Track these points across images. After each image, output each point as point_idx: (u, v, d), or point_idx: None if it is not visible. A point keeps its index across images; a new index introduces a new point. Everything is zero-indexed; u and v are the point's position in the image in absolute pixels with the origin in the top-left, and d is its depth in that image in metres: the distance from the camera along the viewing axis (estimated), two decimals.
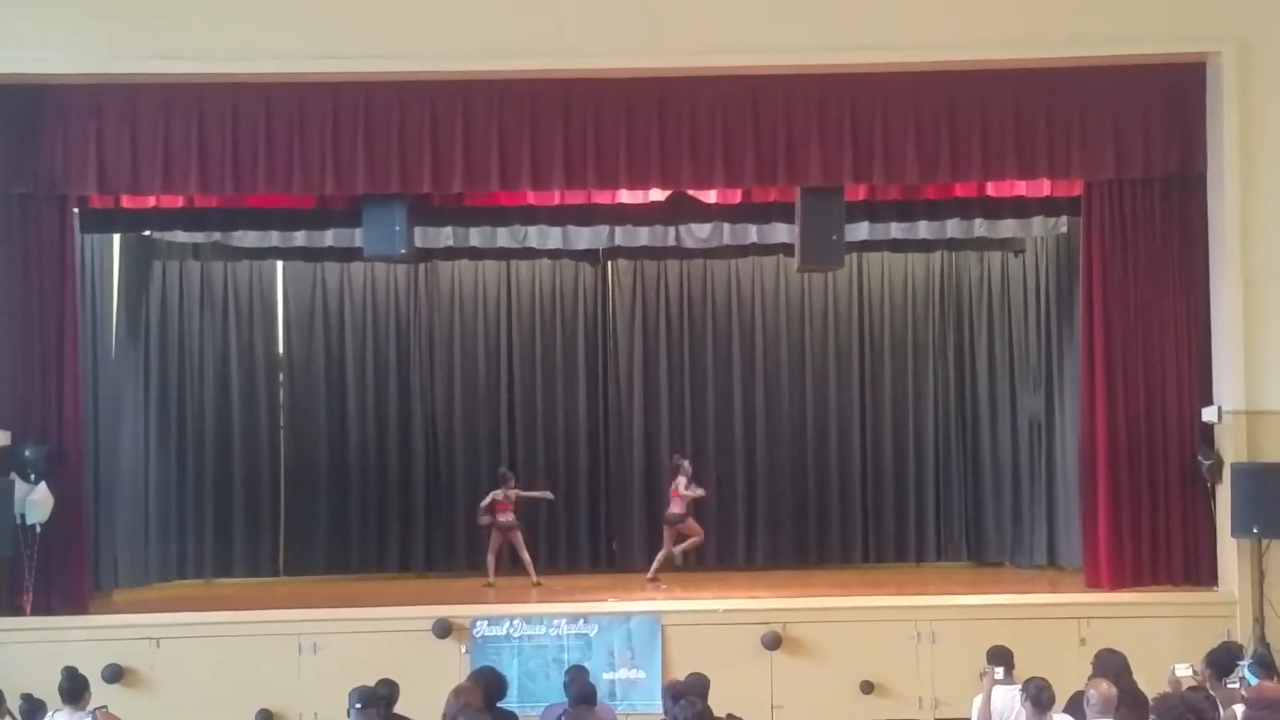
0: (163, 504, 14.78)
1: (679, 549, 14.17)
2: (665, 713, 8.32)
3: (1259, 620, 11.51)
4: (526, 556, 14.34)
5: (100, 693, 9.67)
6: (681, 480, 14.05)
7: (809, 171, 12.27)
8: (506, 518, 14.23)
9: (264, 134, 12.19)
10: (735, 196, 13.25)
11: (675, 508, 14.05)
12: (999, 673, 8.67)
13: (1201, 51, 12.08)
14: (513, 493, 14.32)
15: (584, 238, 14.65)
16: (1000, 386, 15.64)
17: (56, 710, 8.34)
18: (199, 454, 15.27)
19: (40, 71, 12.04)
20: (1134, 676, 8.41)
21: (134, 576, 14.16)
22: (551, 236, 14.57)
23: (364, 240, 12.88)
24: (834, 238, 12.66)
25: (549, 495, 15.03)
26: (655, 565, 14.12)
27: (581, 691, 8.43)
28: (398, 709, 8.60)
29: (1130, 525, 12.27)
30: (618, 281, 16.05)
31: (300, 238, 14.44)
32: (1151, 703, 7.54)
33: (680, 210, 13.63)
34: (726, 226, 14.31)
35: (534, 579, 14.21)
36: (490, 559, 14.25)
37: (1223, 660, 8.43)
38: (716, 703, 7.92)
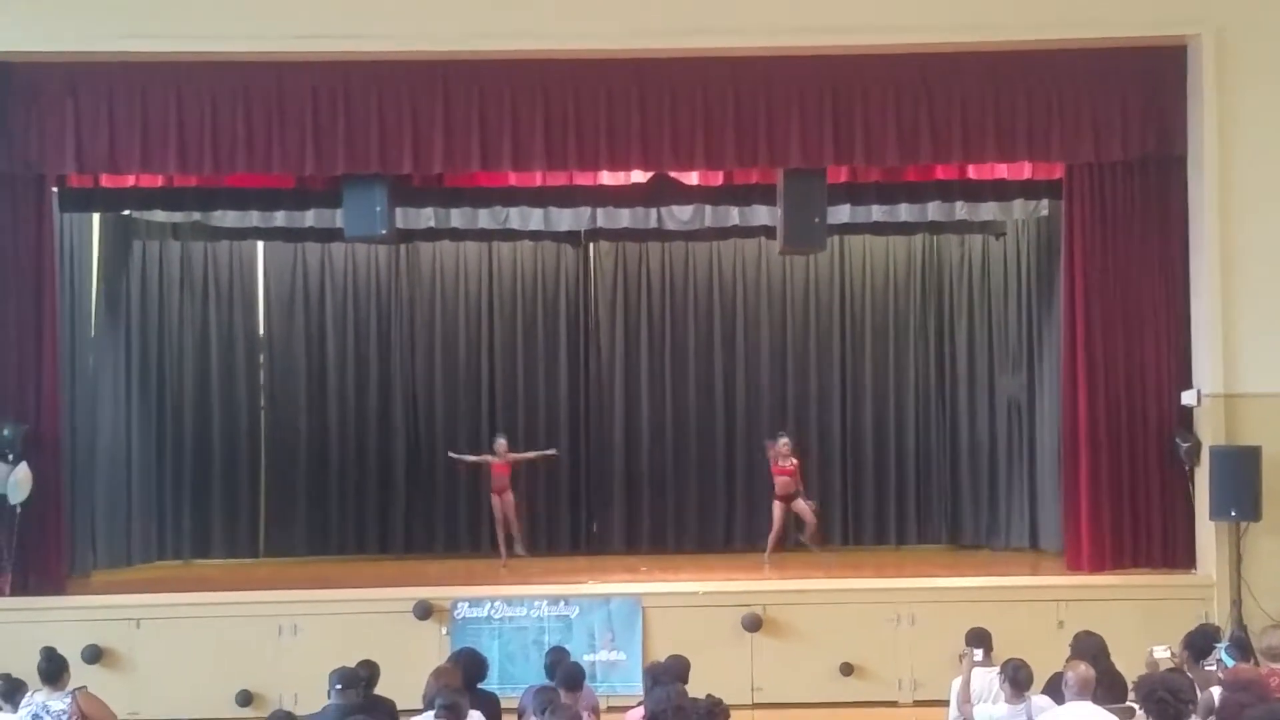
0: (142, 485, 14.74)
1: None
2: (645, 694, 8.34)
3: (1236, 603, 11.57)
4: (515, 531, 14.46)
5: (80, 673, 9.69)
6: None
7: (790, 153, 12.25)
8: (500, 483, 14.38)
9: (243, 114, 12.12)
10: (716, 178, 13.26)
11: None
12: (978, 654, 8.71)
13: (1180, 35, 12.10)
14: (509, 456, 14.44)
15: (565, 219, 14.65)
16: (980, 369, 15.66)
17: (36, 691, 8.32)
18: (179, 435, 15.24)
19: (15, 49, 11.96)
20: (1111, 659, 8.46)
21: (114, 557, 14.15)
22: (533, 218, 14.56)
23: (344, 221, 12.83)
24: (815, 220, 12.66)
25: (550, 452, 14.98)
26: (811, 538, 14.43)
27: (568, 673, 8.40)
28: (378, 690, 8.62)
29: (1110, 508, 12.33)
30: (599, 263, 16.01)
31: (280, 218, 14.41)
32: (1130, 685, 7.60)
33: (662, 192, 13.63)
34: (708, 208, 14.33)
35: (515, 554, 14.33)
36: (500, 534, 14.43)
37: (1200, 643, 8.48)
38: (697, 684, 7.95)
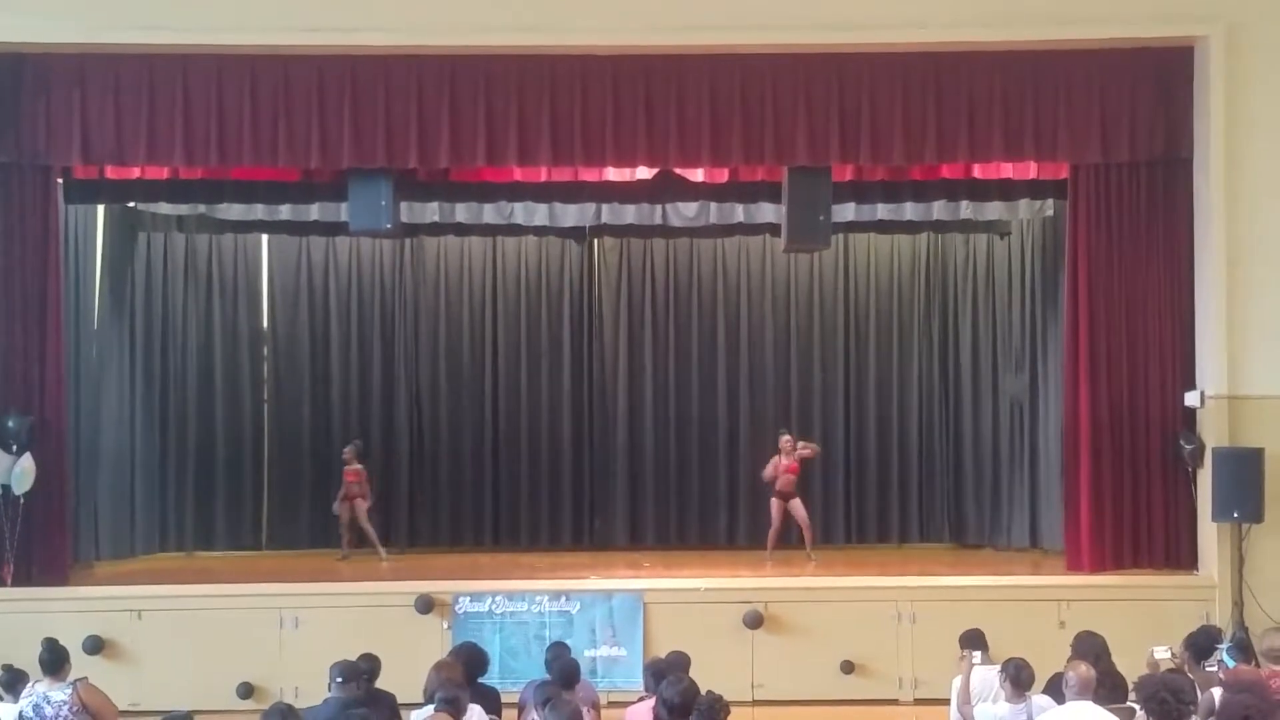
0: (146, 476, 14.76)
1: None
2: (646, 690, 8.34)
3: (1238, 604, 11.58)
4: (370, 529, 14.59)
5: (81, 664, 9.70)
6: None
7: (796, 151, 12.26)
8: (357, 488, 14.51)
9: (249, 106, 12.13)
10: (722, 175, 13.24)
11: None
12: (976, 656, 8.70)
13: (1189, 35, 12.10)
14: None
15: (570, 215, 14.58)
16: (984, 369, 15.65)
17: (37, 681, 8.32)
18: (182, 427, 15.24)
19: (22, 40, 11.96)
20: (1113, 659, 8.45)
21: (116, 548, 14.16)
22: (537, 213, 14.50)
23: (349, 214, 12.82)
24: (820, 218, 12.66)
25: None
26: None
27: (564, 669, 8.41)
28: (379, 684, 8.62)
29: (1112, 509, 12.33)
30: (603, 259, 16.01)
31: (285, 211, 14.34)
32: (1131, 685, 7.60)
33: (667, 188, 13.61)
34: (713, 205, 14.28)
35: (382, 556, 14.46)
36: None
37: (1201, 644, 8.48)
38: (697, 681, 7.92)
